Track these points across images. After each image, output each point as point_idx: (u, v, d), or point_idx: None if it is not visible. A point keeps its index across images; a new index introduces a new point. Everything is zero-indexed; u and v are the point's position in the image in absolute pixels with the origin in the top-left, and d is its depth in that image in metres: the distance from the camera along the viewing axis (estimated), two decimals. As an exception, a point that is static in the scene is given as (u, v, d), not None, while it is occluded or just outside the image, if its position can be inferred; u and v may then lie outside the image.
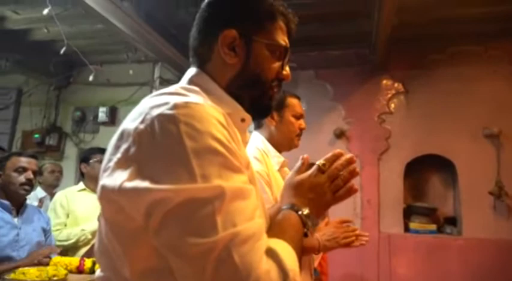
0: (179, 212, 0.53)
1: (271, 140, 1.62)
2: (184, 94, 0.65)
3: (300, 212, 0.70)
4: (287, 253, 0.60)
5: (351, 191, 0.75)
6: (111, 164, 0.60)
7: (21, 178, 2.06)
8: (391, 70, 3.97)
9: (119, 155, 0.60)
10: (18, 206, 2.11)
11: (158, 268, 0.58)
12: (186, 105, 0.59)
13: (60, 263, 1.96)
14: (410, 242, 3.61)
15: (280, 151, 1.63)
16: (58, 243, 2.35)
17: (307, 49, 4.09)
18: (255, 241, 0.54)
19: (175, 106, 0.58)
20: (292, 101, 1.67)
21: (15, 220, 2.07)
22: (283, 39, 0.79)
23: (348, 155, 0.77)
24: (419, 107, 3.84)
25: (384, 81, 4.00)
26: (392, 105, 3.94)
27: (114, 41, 3.87)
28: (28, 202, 2.25)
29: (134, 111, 0.64)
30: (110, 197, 0.60)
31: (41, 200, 2.94)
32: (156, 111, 0.58)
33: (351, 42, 3.94)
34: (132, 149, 0.58)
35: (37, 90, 5.02)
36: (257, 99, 0.77)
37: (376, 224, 3.73)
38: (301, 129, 1.65)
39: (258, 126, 1.68)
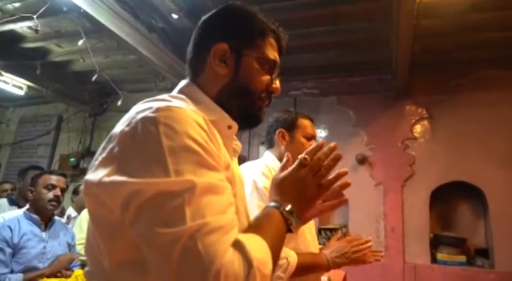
0: (151, 203, 0.55)
1: (281, 160, 1.66)
2: (169, 100, 0.69)
3: (281, 208, 0.71)
4: (256, 245, 0.60)
5: (337, 176, 0.75)
6: (97, 162, 0.65)
7: (50, 195, 2.20)
8: (414, 96, 3.95)
9: (104, 154, 0.64)
10: (47, 221, 2.25)
11: (134, 260, 0.61)
12: (167, 108, 0.63)
13: (81, 277, 2.05)
14: (437, 274, 3.43)
15: None
16: (82, 257, 2.45)
17: (328, 76, 4.18)
18: (223, 233, 0.56)
19: (157, 109, 0.62)
20: (304, 122, 1.68)
21: (43, 233, 2.20)
22: (273, 54, 0.82)
23: (332, 144, 0.77)
24: (444, 132, 3.77)
25: (407, 107, 3.97)
26: (416, 131, 3.89)
27: (144, 71, 4.15)
28: (57, 218, 2.40)
29: (124, 116, 0.69)
30: (91, 191, 0.64)
31: (68, 217, 3.09)
32: (140, 115, 0.63)
33: (373, 68, 3.99)
34: (116, 149, 0.62)
35: (75, 117, 5.41)
36: (245, 109, 0.81)
37: (400, 254, 3.59)
38: None
39: (270, 146, 1.72)
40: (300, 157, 0.76)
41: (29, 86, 4.36)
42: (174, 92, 0.81)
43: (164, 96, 0.73)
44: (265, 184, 1.45)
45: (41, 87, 4.37)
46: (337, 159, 0.76)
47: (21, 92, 4.40)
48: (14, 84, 4.27)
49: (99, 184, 0.61)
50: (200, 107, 0.74)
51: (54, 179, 2.27)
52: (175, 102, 0.68)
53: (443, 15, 2.96)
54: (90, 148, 5.23)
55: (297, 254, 1.23)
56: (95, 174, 0.63)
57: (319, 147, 0.77)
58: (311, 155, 0.76)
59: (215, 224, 0.55)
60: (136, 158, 0.60)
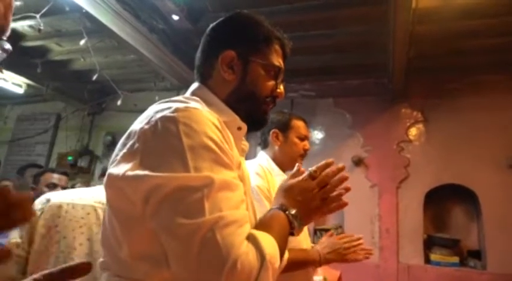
0: (172, 196, 0.60)
1: (275, 160, 1.70)
2: (185, 101, 0.74)
3: (287, 212, 0.76)
4: (267, 240, 0.64)
5: (339, 195, 0.80)
6: (118, 157, 0.69)
7: (50, 193, 2.23)
8: (410, 99, 4.01)
9: (125, 150, 0.68)
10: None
11: (151, 251, 0.65)
12: (185, 109, 0.67)
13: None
14: (431, 275, 3.48)
15: (283, 170, 1.69)
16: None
17: (325, 78, 4.22)
18: (238, 226, 0.60)
19: (176, 110, 0.67)
20: (297, 122, 1.73)
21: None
22: (277, 61, 0.87)
23: (340, 165, 0.82)
24: (439, 135, 3.82)
25: (403, 110, 4.03)
26: (411, 134, 3.94)
27: (144, 71, 4.19)
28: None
29: (142, 115, 0.74)
30: (114, 184, 0.68)
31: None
32: (159, 114, 0.67)
33: (370, 71, 4.03)
34: (136, 145, 0.67)
35: (73, 116, 5.42)
36: (251, 112, 0.85)
37: (395, 254, 3.64)
38: (305, 150, 1.71)
39: (264, 147, 1.76)
40: (310, 169, 0.82)
41: (28, 84, 4.39)
42: (187, 94, 0.85)
43: (180, 97, 0.78)
44: (259, 183, 1.49)
45: (40, 86, 4.39)
46: (343, 180, 0.80)
47: (21, 90, 4.42)
48: (14, 82, 4.29)
49: (123, 177, 0.65)
50: (212, 108, 0.78)
51: (56, 177, 2.31)
52: (192, 104, 0.72)
53: (438, 22, 3.02)
54: (88, 147, 5.25)
55: (288, 250, 1.27)
56: (118, 168, 0.67)
57: (328, 165, 0.82)
58: (320, 170, 0.81)
59: (231, 218, 0.60)
60: (157, 153, 0.64)
